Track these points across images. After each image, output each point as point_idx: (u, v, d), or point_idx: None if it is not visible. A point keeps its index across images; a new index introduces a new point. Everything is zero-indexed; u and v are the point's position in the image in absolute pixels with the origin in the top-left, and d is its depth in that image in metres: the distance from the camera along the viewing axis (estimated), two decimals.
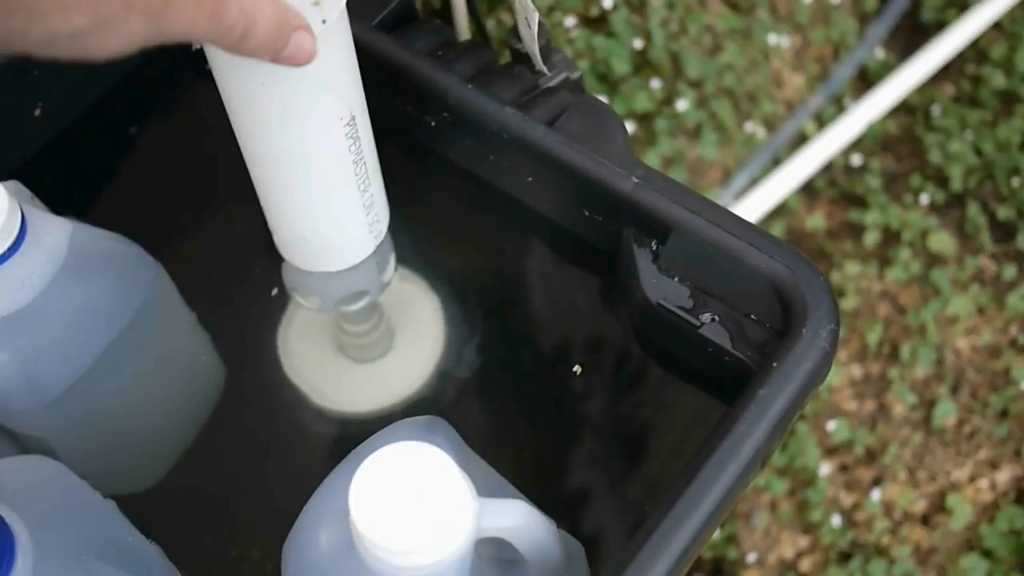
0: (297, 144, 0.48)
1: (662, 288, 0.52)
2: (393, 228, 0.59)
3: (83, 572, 0.45)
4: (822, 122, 1.37)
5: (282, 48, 0.35)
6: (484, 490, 0.44)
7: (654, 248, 0.52)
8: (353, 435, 0.50)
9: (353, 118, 0.48)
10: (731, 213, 0.50)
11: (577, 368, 0.60)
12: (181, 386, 0.63)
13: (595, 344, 0.62)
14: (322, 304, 0.64)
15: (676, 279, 0.52)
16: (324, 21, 0.41)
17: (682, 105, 1.22)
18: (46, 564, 0.44)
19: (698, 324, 0.51)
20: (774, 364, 0.46)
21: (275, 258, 0.62)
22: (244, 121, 0.48)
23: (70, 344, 0.53)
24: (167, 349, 0.60)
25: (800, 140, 1.36)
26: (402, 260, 0.65)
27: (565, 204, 0.56)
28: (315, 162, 0.50)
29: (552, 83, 0.59)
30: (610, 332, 0.60)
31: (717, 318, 0.51)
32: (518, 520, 0.45)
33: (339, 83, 0.46)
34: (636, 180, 0.51)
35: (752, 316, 0.50)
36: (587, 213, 0.55)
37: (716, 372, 0.51)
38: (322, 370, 0.66)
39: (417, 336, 0.66)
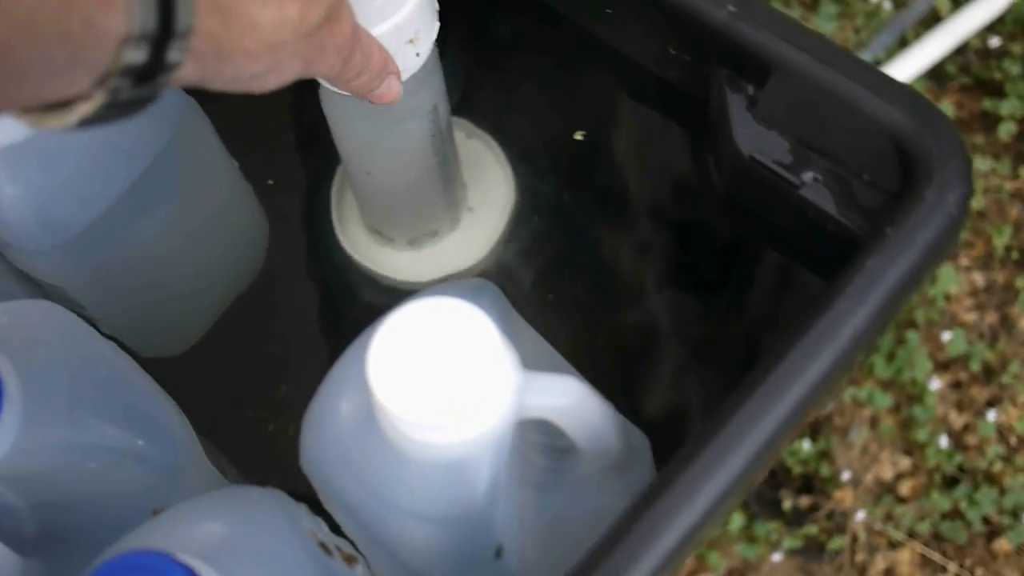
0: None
1: (757, 140, 0.45)
2: (457, 73, 0.54)
3: (77, 428, 0.41)
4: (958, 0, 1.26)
5: (376, 88, 0.40)
6: (535, 366, 0.38)
7: (750, 93, 0.45)
8: None
9: (435, 107, 0.51)
10: (845, 51, 0.42)
11: (579, 135, 0.57)
12: (219, 242, 0.59)
13: (680, 206, 0.56)
14: (397, 242, 0.61)
15: (775, 130, 0.45)
16: (418, 55, 0.45)
17: None
18: (36, 417, 0.40)
19: (798, 184, 0.44)
20: (887, 231, 0.39)
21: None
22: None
23: (86, 180, 0.48)
24: (201, 198, 0.55)
25: (932, 19, 1.25)
26: (467, 112, 0.60)
27: (648, 40, 0.49)
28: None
29: None
30: (696, 192, 0.54)
31: (820, 177, 0.44)
32: (568, 399, 0.39)
33: (432, 96, 0.50)
34: (732, 8, 0.44)
35: (864, 176, 0.43)
36: (673, 51, 0.48)
37: (816, 242, 0.45)
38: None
39: (483, 201, 0.61)
